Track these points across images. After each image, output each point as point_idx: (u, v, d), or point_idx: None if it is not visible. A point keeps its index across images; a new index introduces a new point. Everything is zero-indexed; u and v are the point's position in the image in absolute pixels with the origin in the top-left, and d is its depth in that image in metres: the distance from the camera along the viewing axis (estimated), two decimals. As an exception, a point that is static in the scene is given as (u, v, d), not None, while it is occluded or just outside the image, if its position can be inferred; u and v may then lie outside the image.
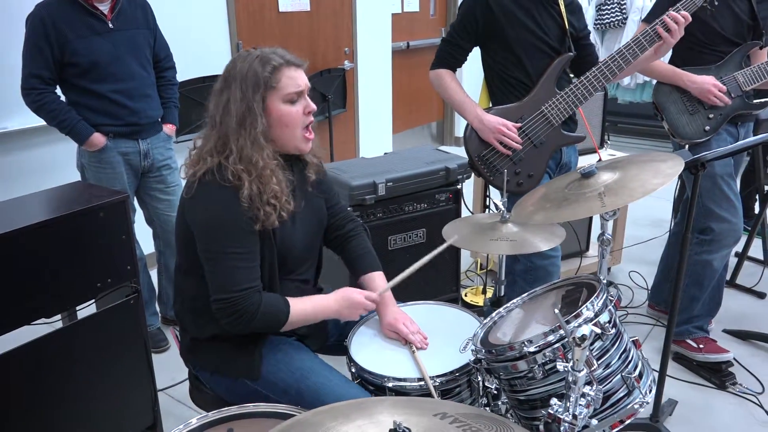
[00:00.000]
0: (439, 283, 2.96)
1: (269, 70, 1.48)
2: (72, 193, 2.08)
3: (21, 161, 3.06)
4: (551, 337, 1.27)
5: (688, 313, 2.61)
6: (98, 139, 2.51)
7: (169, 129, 2.77)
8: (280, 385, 1.53)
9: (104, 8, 2.47)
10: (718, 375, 2.51)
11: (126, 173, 2.63)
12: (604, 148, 3.37)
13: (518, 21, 2.09)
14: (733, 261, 3.17)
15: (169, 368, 2.58)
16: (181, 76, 3.10)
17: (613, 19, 5.61)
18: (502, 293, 1.95)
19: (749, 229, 3.46)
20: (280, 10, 4.14)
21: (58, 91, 2.53)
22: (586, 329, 1.08)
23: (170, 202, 2.79)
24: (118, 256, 2.05)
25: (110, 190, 2.11)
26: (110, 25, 2.48)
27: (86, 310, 2.02)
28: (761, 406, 2.36)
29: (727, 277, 3.02)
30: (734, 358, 2.56)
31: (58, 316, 2.01)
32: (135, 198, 2.79)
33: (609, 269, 3.56)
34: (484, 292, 3.22)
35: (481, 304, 3.13)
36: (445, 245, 1.70)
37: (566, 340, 1.24)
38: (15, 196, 2.68)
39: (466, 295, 3.22)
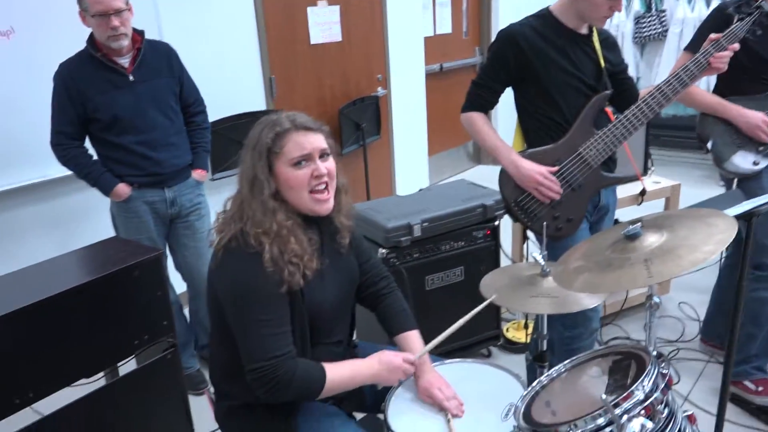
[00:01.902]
0: (480, 320, 2.85)
1: (271, 137, 1.49)
2: (107, 251, 2.10)
3: (60, 207, 3.13)
4: (600, 421, 1.20)
5: (745, 352, 2.48)
6: (123, 189, 2.55)
7: (198, 174, 2.77)
8: (315, 455, 1.50)
9: (125, 62, 2.50)
10: (780, 420, 2.37)
11: (153, 221, 2.66)
12: (648, 175, 3.24)
13: (551, 60, 2.02)
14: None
15: (210, 413, 2.57)
16: (215, 114, 3.13)
17: (653, 32, 5.45)
18: (545, 348, 1.87)
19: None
20: (312, 43, 4.14)
21: (88, 144, 2.59)
22: (636, 425, 1.01)
23: (197, 249, 2.80)
24: (154, 312, 2.06)
25: (145, 247, 2.12)
26: (131, 78, 2.51)
27: (127, 366, 2.04)
28: (828, 456, 2.22)
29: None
30: (796, 401, 2.42)
31: (100, 374, 2.03)
32: (167, 245, 2.81)
33: (659, 303, 3.43)
34: (525, 326, 3.13)
35: (523, 339, 3.04)
36: (483, 304, 1.65)
37: (615, 426, 1.17)
38: (54, 242, 2.74)
39: (507, 330, 3.14)
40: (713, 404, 2.05)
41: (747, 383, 2.48)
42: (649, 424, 1.07)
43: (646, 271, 1.30)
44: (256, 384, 1.45)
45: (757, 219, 1.83)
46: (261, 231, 1.47)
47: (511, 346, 3.03)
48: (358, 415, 1.77)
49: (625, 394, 1.20)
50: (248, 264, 1.46)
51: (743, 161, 2.31)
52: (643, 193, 3.02)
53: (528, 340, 2.93)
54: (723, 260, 2.78)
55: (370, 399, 1.76)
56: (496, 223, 2.80)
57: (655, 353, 1.33)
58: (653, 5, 5.41)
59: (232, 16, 3.66)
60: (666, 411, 1.23)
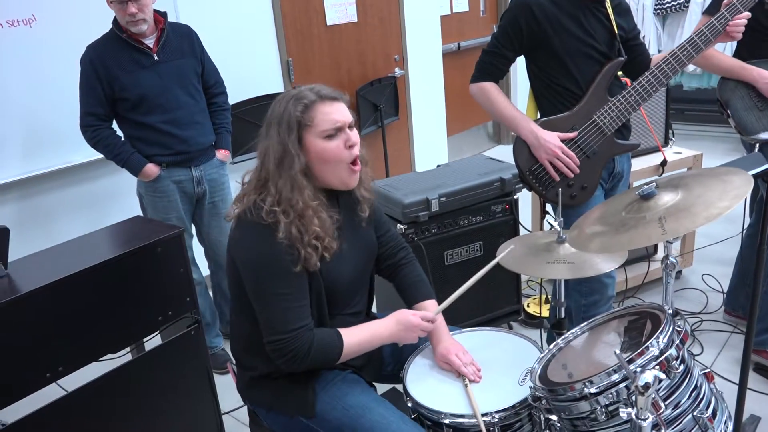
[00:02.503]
0: (500, 294, 2.89)
1: (301, 109, 1.47)
2: (131, 229, 2.15)
3: (86, 192, 3.20)
4: (615, 377, 1.20)
5: (767, 321, 2.45)
6: (151, 169, 2.61)
7: (222, 155, 2.83)
8: (335, 423, 1.52)
9: (150, 42, 2.56)
10: (805, 388, 2.35)
11: (181, 200, 2.72)
12: (669, 146, 3.20)
13: (564, 27, 2.00)
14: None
15: (235, 390, 2.62)
16: (234, 98, 3.16)
17: (675, 3, 5.34)
18: (563, 315, 1.87)
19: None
20: (328, 24, 4.14)
21: (115, 126, 2.64)
22: (649, 376, 1.01)
23: (221, 227, 2.86)
24: (178, 288, 2.10)
25: (167, 225, 2.16)
26: (156, 58, 2.56)
27: (152, 342, 2.09)
28: None
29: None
30: (822, 369, 2.39)
31: (126, 350, 2.08)
32: (192, 224, 2.86)
33: (680, 272, 3.40)
34: (547, 302, 3.13)
35: (544, 314, 3.04)
36: (495, 260, 1.65)
37: (629, 381, 1.17)
38: (82, 224, 2.80)
39: (528, 305, 3.14)
40: (737, 374, 2.03)
41: (771, 352, 2.45)
42: (663, 376, 1.07)
43: (661, 228, 1.29)
44: (275, 355, 1.48)
45: (778, 181, 1.81)
46: (279, 209, 1.46)
47: (532, 321, 3.03)
48: (381, 390, 1.79)
49: (639, 350, 1.20)
50: (263, 236, 1.46)
51: (765, 125, 2.27)
52: (664, 163, 3.00)
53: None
54: (745, 230, 2.74)
55: (390, 367, 1.78)
56: (515, 197, 2.79)
57: (670, 311, 1.33)
58: (674, -24, 5.30)
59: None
60: (682, 367, 1.23)
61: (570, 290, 2.23)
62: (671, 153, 3.13)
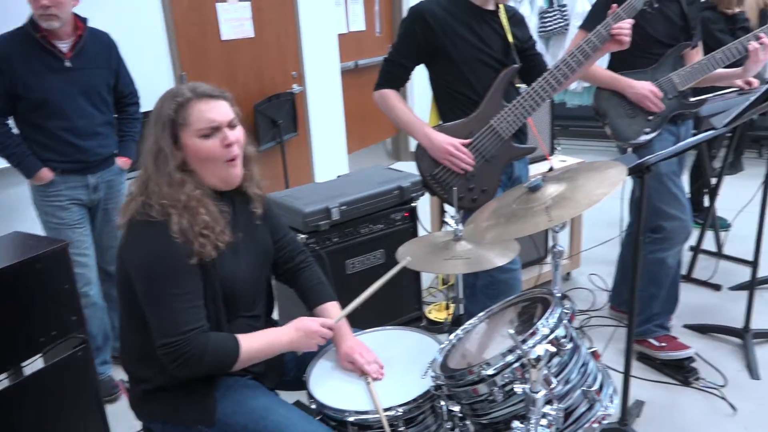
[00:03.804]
0: (402, 302, 2.93)
1: (174, 107, 1.46)
2: (8, 245, 1.99)
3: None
4: (509, 358, 1.25)
5: (647, 312, 2.64)
6: (45, 174, 2.50)
7: (122, 162, 2.74)
8: (237, 428, 1.47)
9: (64, 46, 2.47)
10: (682, 372, 2.54)
11: (75, 207, 2.60)
12: (554, 154, 3.40)
13: (459, 36, 2.09)
14: (687, 256, 3.23)
15: (125, 417, 2.47)
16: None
17: (556, 26, 5.72)
18: (461, 312, 1.92)
19: (701, 222, 3.54)
20: (223, 39, 4.08)
21: (12, 123, 2.52)
22: (540, 350, 1.06)
23: (112, 234, 2.75)
24: (62, 306, 1.97)
25: (47, 240, 2.04)
26: (68, 64, 2.47)
27: (34, 365, 1.93)
28: (725, 399, 2.39)
29: (684, 272, 3.07)
30: (696, 353, 2.59)
31: (3, 375, 1.92)
32: (90, 234, 2.71)
33: (569, 274, 3.60)
34: (447, 308, 3.20)
35: (445, 320, 3.10)
36: (397, 267, 1.67)
37: (523, 360, 1.22)
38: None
39: (430, 312, 3.19)
40: (622, 364, 2.17)
41: (651, 341, 2.63)
42: (553, 350, 1.13)
43: (547, 216, 1.37)
44: (167, 359, 1.41)
45: (650, 176, 1.98)
46: (167, 203, 1.44)
47: (434, 327, 3.09)
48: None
49: (531, 331, 1.26)
50: (155, 235, 1.42)
51: (635, 130, 2.47)
52: (550, 170, 3.17)
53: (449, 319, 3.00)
54: (624, 231, 2.95)
55: (292, 372, 1.75)
56: (414, 204, 2.86)
57: (559, 294, 1.40)
58: (555, 0, 5.68)
59: (137, 10, 3.56)
60: (570, 345, 1.30)
61: (478, 294, 2.29)
62: (557, 161, 3.33)
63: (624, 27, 2.03)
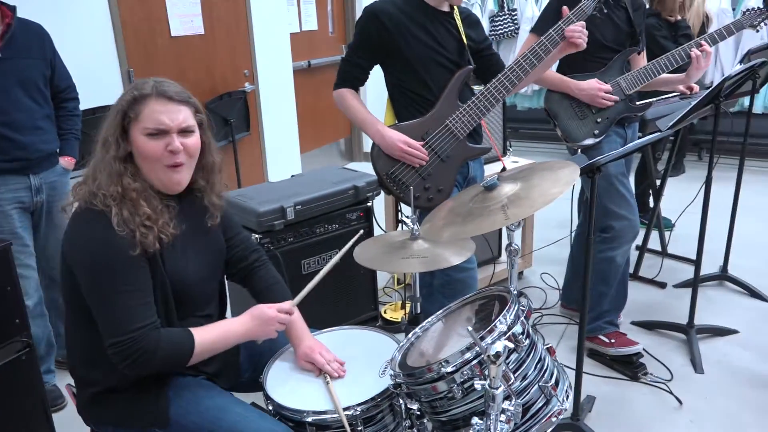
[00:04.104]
0: (358, 302, 2.92)
1: (128, 99, 1.43)
2: (-55, 245, 1.89)
3: None
4: (468, 355, 1.26)
5: (597, 309, 2.71)
6: None
7: (66, 162, 2.61)
8: (191, 428, 1.44)
9: None
10: (630, 367, 2.61)
11: (16, 213, 2.44)
12: (507, 155, 3.45)
13: (414, 37, 2.10)
14: (634, 255, 3.33)
15: (71, 426, 2.38)
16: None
17: (506, 30, 5.82)
18: (419, 311, 1.93)
19: (646, 222, 3.66)
20: (173, 35, 3.99)
21: None
22: (499, 346, 1.07)
23: (59, 239, 2.58)
24: (4, 309, 1.88)
25: (-12, 240, 1.93)
26: None
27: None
28: (671, 393, 2.47)
29: (630, 271, 3.16)
30: (643, 349, 2.68)
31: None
32: (32, 238, 2.57)
33: (521, 273, 3.67)
34: (403, 307, 3.21)
35: (400, 319, 3.11)
36: (350, 242, 1.71)
37: (482, 356, 1.23)
38: None
39: (385, 312, 3.20)
40: (574, 361, 2.22)
41: (601, 337, 2.70)
42: (512, 346, 1.14)
43: (504, 214, 1.39)
44: (118, 358, 1.36)
45: (600, 177, 2.03)
46: (108, 193, 1.40)
47: (390, 327, 3.09)
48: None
49: (489, 328, 1.27)
50: (97, 227, 1.38)
51: (585, 132, 2.53)
52: (503, 170, 3.22)
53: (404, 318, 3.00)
54: (574, 231, 3.02)
55: (247, 373, 1.72)
56: (369, 204, 2.86)
57: (515, 292, 1.42)
58: (505, 5, 5.78)
59: (83, 3, 3.44)
60: (527, 341, 1.32)
61: (435, 294, 2.30)
62: (509, 162, 3.38)
63: (576, 30, 2.08)
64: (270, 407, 1.52)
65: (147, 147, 1.43)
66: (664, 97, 3.20)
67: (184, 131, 1.47)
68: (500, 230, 3.43)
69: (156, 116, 1.42)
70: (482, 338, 1.25)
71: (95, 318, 1.39)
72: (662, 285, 3.39)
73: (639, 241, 3.34)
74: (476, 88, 2.27)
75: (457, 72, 2.16)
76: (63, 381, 2.68)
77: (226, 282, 1.75)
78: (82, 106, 3.19)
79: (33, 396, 1.98)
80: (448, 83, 2.15)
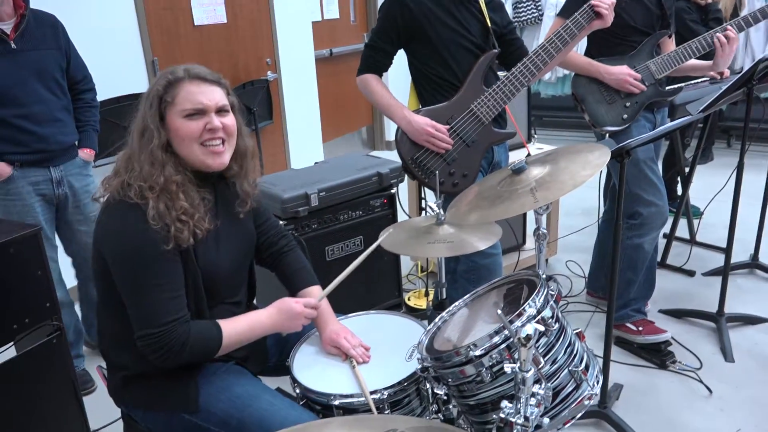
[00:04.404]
0: (381, 290, 2.92)
1: (163, 84, 1.43)
2: (-23, 230, 1.92)
3: None
4: (496, 339, 1.25)
5: (625, 297, 2.67)
6: (3, 169, 2.35)
7: (85, 154, 2.61)
8: (220, 415, 1.45)
9: (6, 27, 2.31)
10: (659, 355, 2.58)
11: (39, 205, 2.46)
12: (531, 142, 3.42)
13: (439, 20, 2.08)
14: (661, 243, 3.28)
15: (101, 407, 2.42)
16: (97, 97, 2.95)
17: (530, 17, 5.75)
18: (444, 296, 1.92)
19: (674, 211, 3.60)
20: (196, 24, 4.01)
21: None
22: (530, 328, 1.06)
23: (90, 232, 2.62)
24: (35, 293, 1.91)
25: (20, 224, 1.96)
26: (13, 46, 2.32)
27: (6, 354, 1.87)
28: (701, 381, 2.43)
29: (658, 259, 3.11)
30: (672, 337, 2.63)
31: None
32: (56, 231, 2.60)
33: (546, 261, 3.63)
34: (426, 294, 3.20)
35: (424, 307, 3.10)
36: (379, 239, 1.68)
37: (511, 340, 1.22)
38: None
39: (409, 299, 3.19)
40: (600, 349, 2.20)
41: (629, 325, 2.67)
42: (542, 328, 1.13)
43: (532, 197, 1.37)
44: (146, 350, 1.38)
45: (628, 162, 1.99)
46: (146, 185, 1.39)
47: (414, 314, 3.09)
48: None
49: (518, 311, 1.26)
50: (131, 220, 1.38)
51: (613, 117, 2.49)
52: (528, 156, 3.19)
53: (429, 305, 3.00)
54: (601, 218, 2.98)
55: (274, 358, 1.73)
56: (393, 191, 2.85)
57: (544, 276, 1.40)
58: (529, -9, 5.71)
59: (107, -6, 3.47)
60: (557, 325, 1.30)
61: (459, 279, 2.29)
62: (534, 148, 3.34)
63: (605, 2, 2.04)
64: (297, 391, 1.52)
65: (186, 128, 1.43)
66: (693, 81, 3.13)
67: (221, 110, 1.48)
68: (524, 218, 3.40)
69: (193, 97, 1.43)
70: (511, 322, 1.24)
71: (127, 309, 1.40)
72: (691, 273, 3.33)
73: (666, 229, 3.29)
74: (500, 74, 2.25)
75: (481, 56, 2.14)
76: (92, 365, 2.73)
77: (254, 267, 1.75)
78: (107, 95, 3.23)
79: (64, 379, 2.01)
80: (472, 67, 2.13)
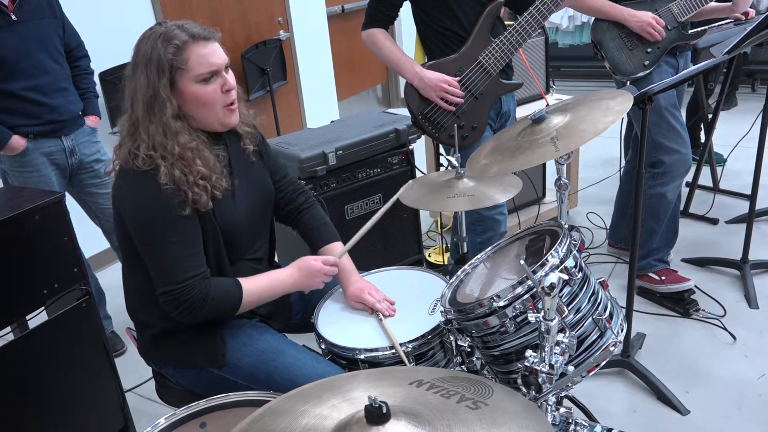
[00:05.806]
0: (402, 246, 2.93)
1: (173, 51, 1.38)
2: (1, 198, 1.95)
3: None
4: (520, 289, 1.25)
5: (647, 246, 2.65)
6: (18, 142, 2.37)
7: (92, 121, 2.62)
8: (247, 369, 1.48)
9: None
10: (682, 304, 2.57)
11: (54, 174, 2.50)
12: (550, 93, 3.35)
13: None
14: (684, 191, 3.23)
15: (133, 368, 2.49)
16: (107, 62, 2.95)
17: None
18: (465, 250, 1.92)
19: (697, 158, 3.53)
20: (206, -16, 3.95)
21: None
22: (554, 277, 1.05)
23: (109, 194, 2.65)
24: (62, 259, 1.94)
25: (42, 191, 1.99)
26: (13, 17, 2.30)
27: (37, 318, 1.92)
28: (725, 328, 2.43)
29: (681, 207, 3.07)
30: (695, 286, 2.62)
31: (7, 329, 1.91)
32: (77, 201, 2.64)
33: (567, 213, 3.60)
34: (446, 250, 3.21)
35: (444, 263, 3.11)
36: (396, 196, 1.68)
37: (535, 290, 1.22)
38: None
39: (429, 256, 3.21)
40: (623, 299, 2.19)
41: (651, 275, 2.66)
42: (566, 277, 1.12)
43: (554, 146, 1.35)
44: (169, 306, 1.41)
45: (650, 110, 1.95)
46: (157, 154, 1.38)
47: (434, 269, 3.10)
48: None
49: (541, 261, 1.25)
50: (145, 183, 1.38)
51: (635, 63, 2.42)
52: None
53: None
54: (623, 168, 2.94)
55: (299, 314, 1.76)
56: (410, 147, 2.82)
57: (566, 225, 1.39)
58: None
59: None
60: (580, 274, 1.30)
61: (467, 232, 2.28)
62: (552, 99, 3.28)
63: None
64: (322, 346, 1.54)
65: (204, 93, 1.42)
66: (717, 24, 3.03)
67: (226, 68, 1.47)
68: (544, 171, 3.36)
69: (204, 59, 1.41)
70: (534, 272, 1.23)
71: (148, 267, 1.42)
72: (714, 221, 3.29)
73: (689, 177, 3.24)
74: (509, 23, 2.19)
75: (488, 6, 2.09)
76: (120, 328, 2.79)
77: (273, 223, 1.76)
78: (118, 60, 3.21)
79: (95, 342, 2.06)
80: (479, 18, 2.08)
